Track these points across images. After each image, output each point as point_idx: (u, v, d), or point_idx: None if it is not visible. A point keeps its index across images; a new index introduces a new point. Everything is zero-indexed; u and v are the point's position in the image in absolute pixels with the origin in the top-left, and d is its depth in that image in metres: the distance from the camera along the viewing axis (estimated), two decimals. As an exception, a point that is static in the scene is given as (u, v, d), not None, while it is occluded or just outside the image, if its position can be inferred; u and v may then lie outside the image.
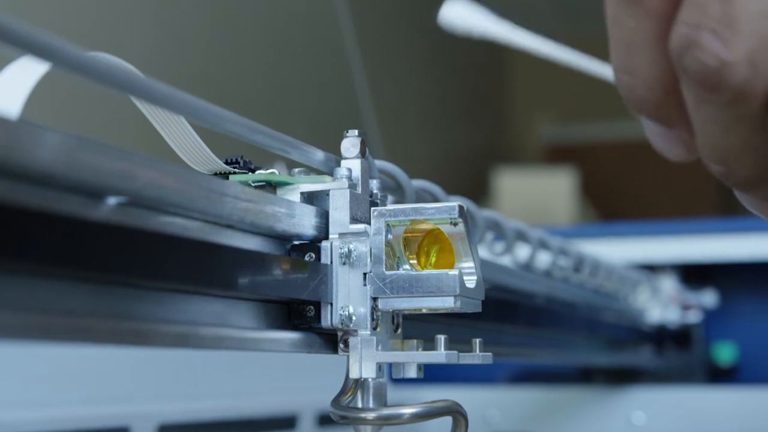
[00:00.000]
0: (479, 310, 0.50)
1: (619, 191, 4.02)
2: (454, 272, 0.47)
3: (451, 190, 0.67)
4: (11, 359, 0.76)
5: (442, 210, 0.49)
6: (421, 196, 0.61)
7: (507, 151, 3.87)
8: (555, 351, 0.95)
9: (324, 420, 1.04)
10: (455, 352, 0.47)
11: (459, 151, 3.14)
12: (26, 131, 0.32)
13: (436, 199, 0.62)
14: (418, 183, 0.62)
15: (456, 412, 0.47)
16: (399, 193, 0.59)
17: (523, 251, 0.83)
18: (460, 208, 0.49)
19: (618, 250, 1.28)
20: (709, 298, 1.32)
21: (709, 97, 0.30)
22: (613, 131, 4.02)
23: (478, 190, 3.18)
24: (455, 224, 0.49)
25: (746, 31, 0.28)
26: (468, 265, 0.50)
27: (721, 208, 3.72)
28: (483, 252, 0.66)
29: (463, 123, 3.24)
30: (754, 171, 0.31)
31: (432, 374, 0.58)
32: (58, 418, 0.76)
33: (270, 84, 1.87)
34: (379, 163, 0.56)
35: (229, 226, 0.43)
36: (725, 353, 1.34)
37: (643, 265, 1.26)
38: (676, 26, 0.30)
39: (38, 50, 0.33)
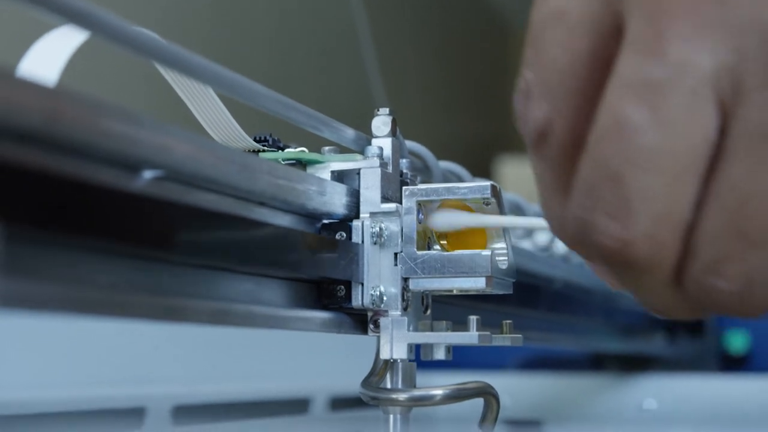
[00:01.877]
0: (510, 291, 0.50)
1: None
2: (486, 253, 0.47)
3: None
4: (26, 340, 0.75)
5: (475, 189, 0.48)
6: (448, 178, 0.61)
7: (511, 141, 3.86)
8: (571, 336, 0.94)
9: (336, 403, 1.03)
10: (488, 333, 0.47)
11: (463, 140, 3.13)
12: (64, 99, 0.31)
13: (462, 181, 0.61)
14: (445, 165, 0.61)
15: (488, 394, 0.46)
16: (426, 175, 0.58)
17: (542, 236, 0.83)
18: (493, 187, 0.48)
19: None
20: (722, 285, 1.31)
21: (617, 272, 0.30)
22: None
23: (485, 177, 3.16)
24: (488, 204, 0.48)
25: (640, 208, 0.28)
26: (500, 245, 0.49)
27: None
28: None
29: (467, 112, 3.23)
30: (680, 312, 0.32)
31: (441, 361, 0.58)
32: (73, 398, 0.75)
33: (279, 70, 1.86)
34: (409, 144, 0.55)
35: (262, 203, 0.42)
36: (737, 341, 1.33)
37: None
38: (571, 211, 0.30)
39: (76, 18, 0.32)
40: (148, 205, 0.34)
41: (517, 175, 3.28)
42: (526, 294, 0.76)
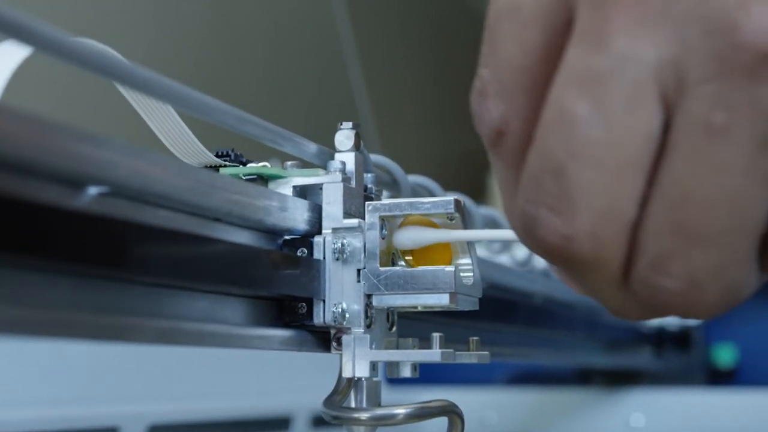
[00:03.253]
0: (476, 308, 0.49)
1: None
2: (450, 269, 0.46)
3: (448, 190, 0.65)
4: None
5: (438, 204, 0.47)
6: (418, 192, 0.60)
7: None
8: (553, 351, 0.93)
9: (318, 421, 1.02)
10: (451, 350, 0.46)
11: (456, 152, 3.13)
12: (4, 116, 0.31)
13: (432, 195, 0.61)
14: (414, 178, 0.61)
15: (452, 413, 0.46)
16: (394, 189, 0.58)
17: (521, 251, 0.82)
18: (456, 202, 0.47)
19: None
20: (708, 299, 1.30)
21: (565, 271, 0.30)
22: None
23: (475, 190, 3.16)
24: (452, 219, 0.47)
25: (582, 203, 0.28)
26: (465, 261, 0.48)
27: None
28: (480, 250, 0.65)
29: (460, 123, 3.23)
30: (632, 313, 0.31)
31: (428, 375, 0.57)
32: (46, 417, 0.75)
33: (264, 82, 1.86)
34: (374, 157, 0.54)
35: (217, 219, 0.42)
36: (725, 355, 1.33)
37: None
38: (517, 205, 0.29)
39: (19, 34, 0.32)
40: (92, 223, 0.34)
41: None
42: (503, 309, 0.75)
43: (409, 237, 0.47)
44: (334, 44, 1.90)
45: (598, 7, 0.28)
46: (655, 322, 1.21)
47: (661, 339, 1.26)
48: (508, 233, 0.45)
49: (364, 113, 1.89)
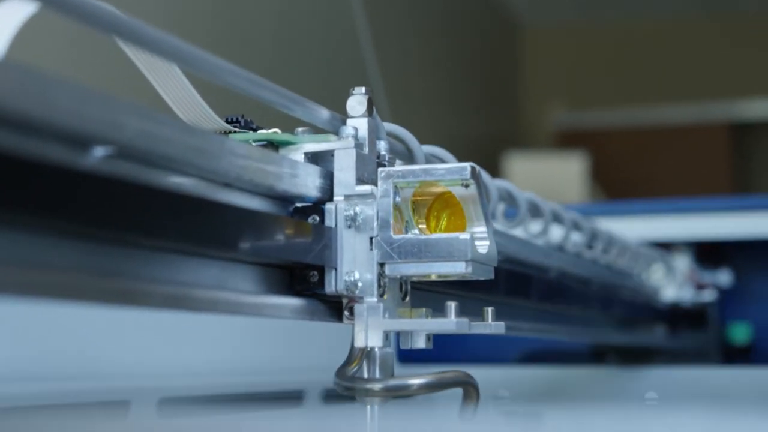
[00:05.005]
0: (491, 276, 0.48)
1: (630, 177, 3.99)
2: (465, 236, 0.45)
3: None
4: (12, 330, 0.74)
5: (453, 171, 0.46)
6: (431, 162, 0.59)
7: (519, 136, 3.84)
8: (568, 327, 0.92)
9: (330, 396, 1.01)
10: (466, 320, 0.45)
11: (471, 136, 3.11)
12: (7, 72, 0.30)
13: (446, 165, 0.60)
14: (428, 148, 0.59)
15: (467, 383, 0.45)
16: (408, 159, 0.57)
17: (535, 226, 0.81)
18: (472, 168, 0.46)
19: (631, 228, 1.25)
20: (724, 277, 1.29)
21: None
22: (624, 118, 3.99)
23: (489, 174, 3.14)
24: (467, 186, 0.46)
25: None
26: (480, 229, 0.47)
27: (734, 187, 3.69)
28: (495, 224, 0.64)
29: (475, 108, 3.21)
30: None
31: (440, 353, 0.56)
32: (58, 391, 0.74)
33: (272, 50, 1.85)
34: (388, 126, 0.53)
35: (227, 185, 0.41)
36: (740, 333, 1.31)
37: (657, 243, 1.23)
38: None
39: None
40: (98, 184, 0.33)
41: (526, 170, 3.26)
42: (518, 283, 0.74)
43: None
44: (350, 30, 1.89)
45: None
46: (670, 299, 1.20)
47: (676, 317, 1.24)
48: None
49: (379, 101, 1.88)
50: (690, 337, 1.27)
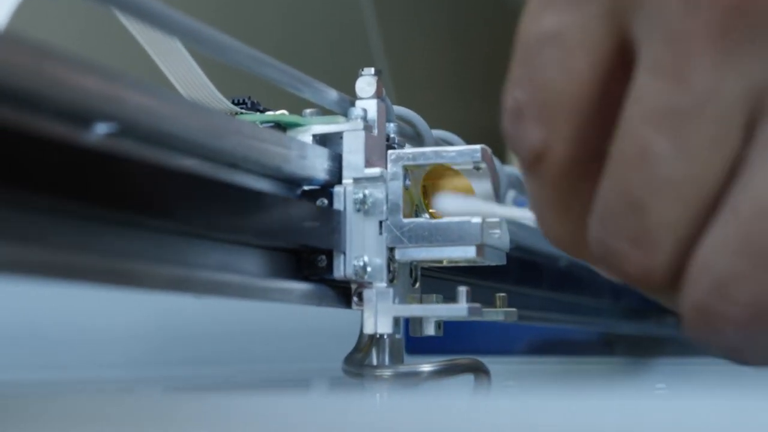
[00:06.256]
0: (503, 262, 0.47)
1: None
2: (477, 220, 0.44)
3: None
4: (17, 322, 0.73)
5: (465, 153, 0.45)
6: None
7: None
8: (577, 317, 0.91)
9: (336, 384, 1.00)
10: (478, 305, 0.44)
11: (475, 124, 3.11)
12: (6, 44, 0.29)
13: (456, 150, 0.58)
14: (437, 132, 0.58)
15: (478, 370, 0.44)
16: (417, 143, 0.55)
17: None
18: (483, 150, 0.45)
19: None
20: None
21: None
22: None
23: (495, 162, 3.12)
24: (478, 169, 0.45)
25: (663, 238, 0.27)
26: (492, 213, 0.46)
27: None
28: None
29: (480, 96, 3.20)
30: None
31: (446, 344, 0.55)
32: (61, 381, 0.73)
33: (279, 42, 1.83)
34: (397, 109, 0.52)
35: (233, 165, 0.39)
36: (751, 325, 1.30)
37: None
38: (592, 233, 0.29)
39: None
40: (100, 162, 0.32)
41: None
42: (528, 271, 0.73)
43: (452, 204, 0.45)
44: (356, 21, 1.88)
45: (675, 40, 0.26)
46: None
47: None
48: None
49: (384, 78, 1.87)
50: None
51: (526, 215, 0.48)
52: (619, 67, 0.28)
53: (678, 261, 0.28)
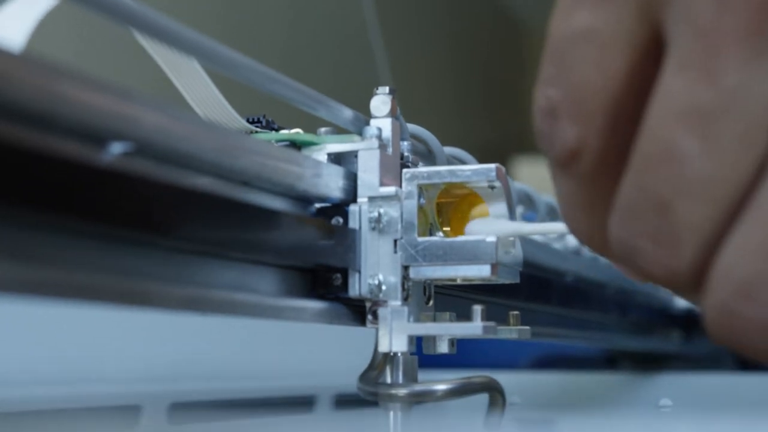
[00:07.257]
0: (517, 280, 0.46)
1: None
2: (492, 239, 0.44)
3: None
4: (21, 335, 0.73)
5: (479, 172, 0.45)
6: (453, 165, 0.57)
7: (526, 141, 3.84)
8: (583, 333, 0.91)
9: (341, 402, 1.00)
10: (493, 324, 0.44)
11: (478, 140, 3.11)
12: (22, 64, 0.29)
13: (467, 167, 0.58)
14: (449, 150, 0.58)
15: (494, 389, 0.43)
16: (429, 160, 0.55)
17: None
18: (498, 170, 0.45)
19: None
20: (739, 282, 1.28)
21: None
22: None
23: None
24: (493, 188, 0.45)
25: (688, 238, 0.27)
26: (506, 232, 0.46)
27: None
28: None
29: (481, 113, 3.20)
30: None
31: (449, 359, 0.54)
32: (68, 395, 0.73)
33: (284, 62, 1.84)
34: (410, 127, 0.52)
35: (248, 184, 0.39)
36: (756, 339, 1.30)
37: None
38: (613, 231, 0.28)
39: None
40: (115, 181, 0.32)
41: (533, 175, 3.25)
42: (535, 288, 0.73)
43: (486, 230, 0.45)
44: (359, 33, 1.88)
45: (703, 33, 0.26)
46: (685, 304, 1.19)
47: (691, 322, 1.23)
48: None
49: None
50: (705, 343, 1.26)
51: (557, 227, 0.48)
52: (650, 63, 0.28)
53: (702, 261, 0.27)
